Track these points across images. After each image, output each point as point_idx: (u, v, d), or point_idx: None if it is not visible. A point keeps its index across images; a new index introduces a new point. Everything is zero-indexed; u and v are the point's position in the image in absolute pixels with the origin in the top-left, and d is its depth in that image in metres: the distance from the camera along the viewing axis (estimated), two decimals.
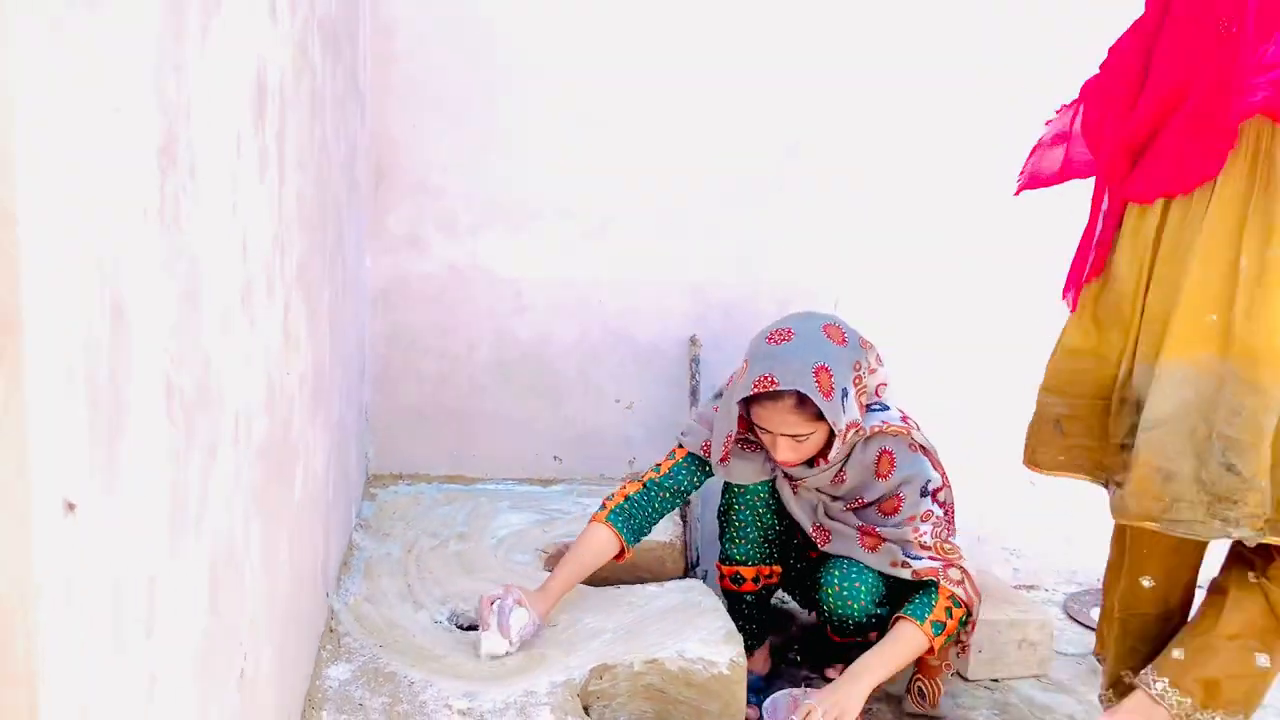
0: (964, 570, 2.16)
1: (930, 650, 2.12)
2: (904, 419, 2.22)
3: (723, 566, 2.40)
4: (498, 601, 1.99)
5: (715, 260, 2.75)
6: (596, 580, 2.42)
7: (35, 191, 0.62)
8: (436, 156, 2.67)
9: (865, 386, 2.17)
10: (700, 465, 2.26)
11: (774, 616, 2.54)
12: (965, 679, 2.60)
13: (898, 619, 2.12)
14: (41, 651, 0.64)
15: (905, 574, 2.13)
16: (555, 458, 2.84)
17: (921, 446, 2.20)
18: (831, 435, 2.12)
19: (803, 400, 2.06)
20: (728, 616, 2.17)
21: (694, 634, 2.09)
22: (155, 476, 0.86)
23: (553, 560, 2.44)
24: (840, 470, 2.20)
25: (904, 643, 2.10)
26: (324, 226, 1.84)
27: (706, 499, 2.77)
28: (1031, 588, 3.07)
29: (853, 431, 2.12)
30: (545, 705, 1.84)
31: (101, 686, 0.75)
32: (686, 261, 2.75)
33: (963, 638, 2.22)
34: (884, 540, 2.19)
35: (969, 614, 2.17)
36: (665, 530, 2.55)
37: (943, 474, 2.23)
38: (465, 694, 1.86)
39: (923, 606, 2.11)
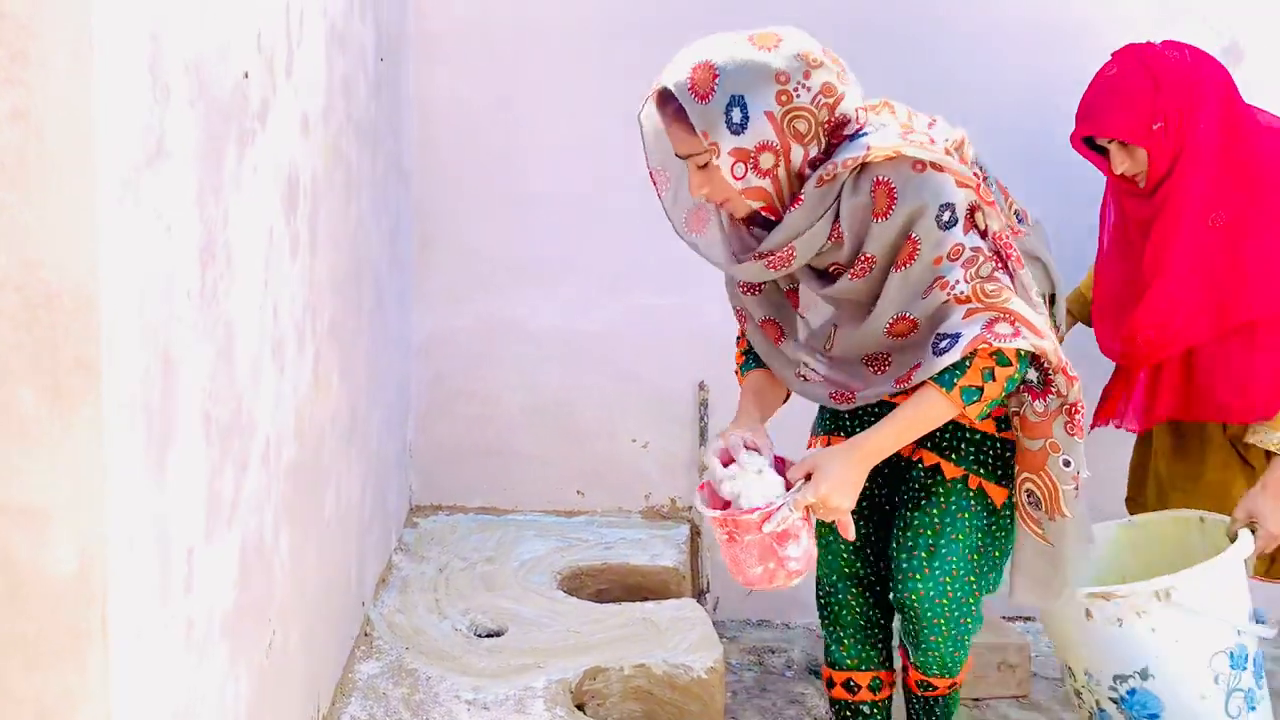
0: (1015, 314, 1.68)
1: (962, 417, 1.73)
2: (905, 134, 1.71)
3: (831, 671, 2.15)
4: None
5: (721, 310, 3.07)
6: (604, 598, 2.74)
7: (110, 285, 0.98)
8: (472, 226, 3.04)
9: (802, 109, 1.67)
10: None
11: None
12: None
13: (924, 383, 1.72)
14: (111, 584, 0.99)
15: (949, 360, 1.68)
16: (578, 491, 3.16)
17: (933, 164, 1.69)
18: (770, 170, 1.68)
19: (670, 100, 1.69)
20: (713, 629, 2.46)
21: (680, 643, 2.38)
22: (195, 478, 1.22)
23: (567, 580, 2.76)
24: (834, 225, 1.73)
25: (922, 410, 1.72)
26: (359, 290, 2.21)
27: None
28: (1028, 619, 3.28)
29: (769, 156, 1.67)
30: (540, 698, 2.16)
31: (150, 619, 1.10)
32: (695, 311, 3.07)
33: (1063, 393, 1.75)
34: (915, 327, 1.74)
35: (1040, 366, 1.74)
36: (671, 556, 2.86)
37: (975, 186, 1.73)
38: (473, 688, 2.18)
39: (953, 368, 1.69)
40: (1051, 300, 1.91)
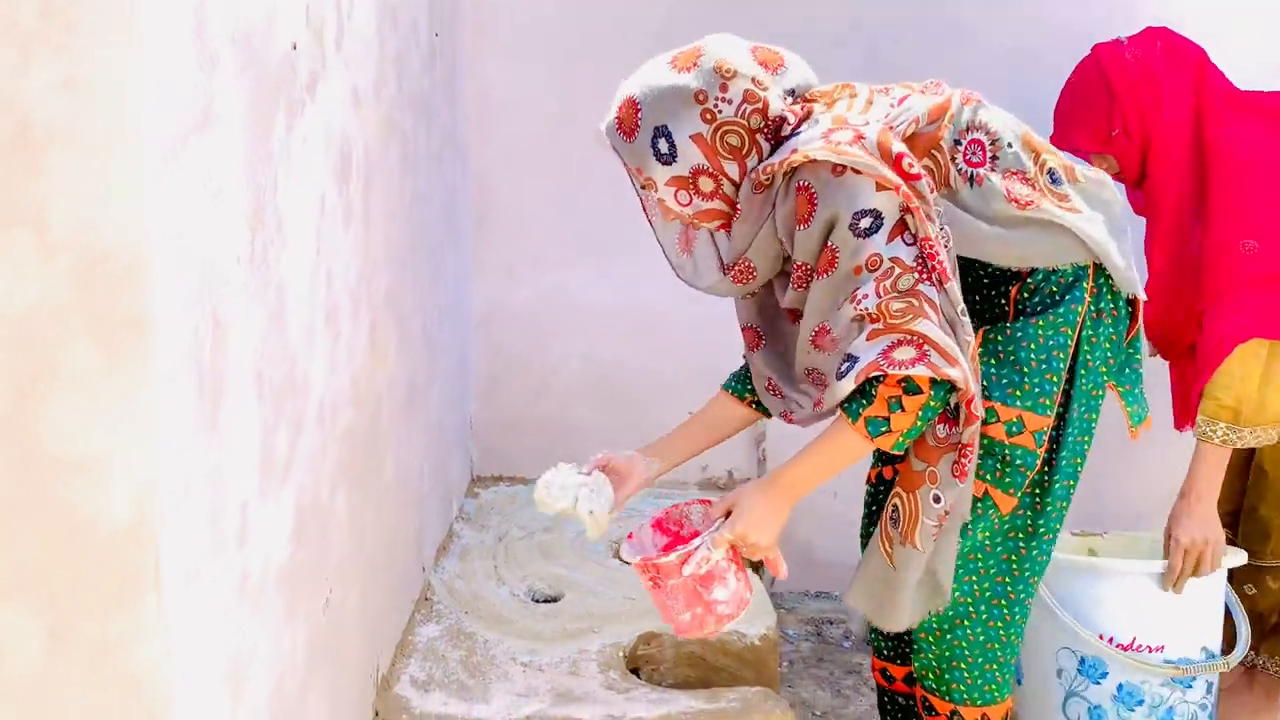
0: (921, 336, 1.56)
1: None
2: (828, 134, 1.61)
3: (873, 656, 2.12)
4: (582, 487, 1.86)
5: None
6: None
7: (158, 246, 1.02)
8: (528, 200, 3.08)
9: (730, 124, 1.63)
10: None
11: None
12: None
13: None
14: (163, 532, 1.04)
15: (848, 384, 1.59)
16: None
17: (853, 169, 1.58)
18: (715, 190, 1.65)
19: (605, 139, 1.74)
20: (768, 597, 2.48)
21: None
22: (248, 435, 1.27)
23: None
24: (775, 234, 1.69)
25: (837, 441, 1.64)
26: (415, 262, 2.25)
27: None
28: None
29: (707, 180, 1.66)
30: (594, 661, 2.20)
31: (203, 567, 1.15)
32: None
33: (954, 434, 1.66)
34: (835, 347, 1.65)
35: (947, 395, 1.62)
36: None
37: (896, 188, 1.59)
38: (529, 651, 2.23)
39: (859, 397, 1.60)
40: (1099, 271, 1.76)
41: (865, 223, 1.59)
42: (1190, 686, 2.27)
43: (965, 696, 1.89)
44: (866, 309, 1.58)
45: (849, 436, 1.62)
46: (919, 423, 1.61)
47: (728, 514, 1.70)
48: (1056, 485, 1.79)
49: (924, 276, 1.59)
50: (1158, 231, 2.30)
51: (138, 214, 0.99)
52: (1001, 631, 1.85)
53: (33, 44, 0.97)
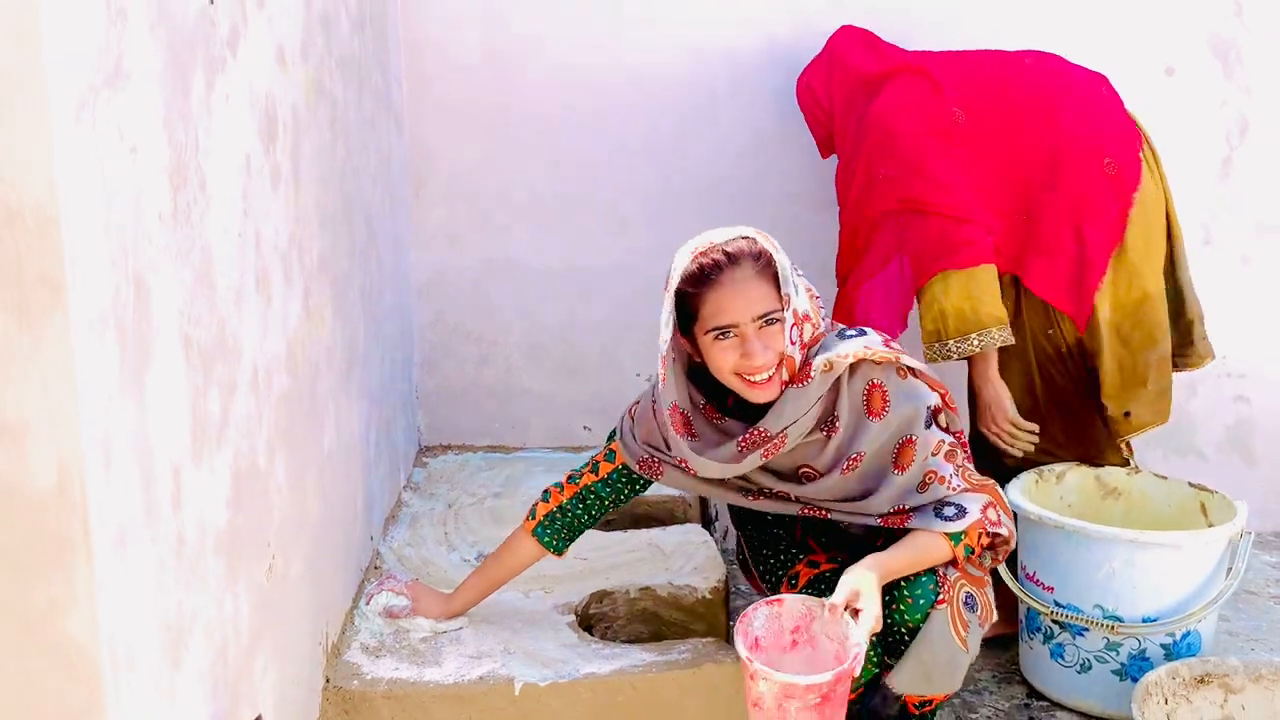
0: (995, 494, 1.93)
1: (953, 562, 1.91)
2: (888, 344, 1.91)
3: (803, 566, 2.22)
4: (380, 588, 2.15)
5: None
6: (612, 529, 2.76)
7: (73, 204, 1.00)
8: (470, 164, 3.05)
9: (805, 311, 1.85)
10: (637, 480, 2.12)
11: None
12: None
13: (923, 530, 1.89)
14: (91, 497, 1.02)
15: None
16: (585, 427, 3.19)
17: (910, 369, 1.91)
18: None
19: (760, 255, 1.82)
20: (718, 552, 2.49)
21: (684, 565, 2.42)
22: (176, 398, 1.24)
23: None
24: (833, 416, 1.88)
25: (925, 553, 1.88)
26: (350, 228, 2.22)
27: None
28: None
29: (808, 326, 1.84)
30: (547, 621, 2.19)
31: (135, 532, 1.13)
32: None
33: (998, 557, 1.98)
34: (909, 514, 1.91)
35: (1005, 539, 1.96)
36: None
37: (942, 392, 1.95)
38: (481, 614, 2.22)
39: (959, 530, 1.89)
40: None
41: (928, 416, 1.92)
42: (1083, 634, 2.38)
43: None
44: (956, 486, 1.92)
45: (944, 551, 1.90)
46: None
47: (848, 607, 1.81)
48: None
49: (963, 450, 1.98)
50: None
51: (48, 169, 0.97)
52: None
53: None
